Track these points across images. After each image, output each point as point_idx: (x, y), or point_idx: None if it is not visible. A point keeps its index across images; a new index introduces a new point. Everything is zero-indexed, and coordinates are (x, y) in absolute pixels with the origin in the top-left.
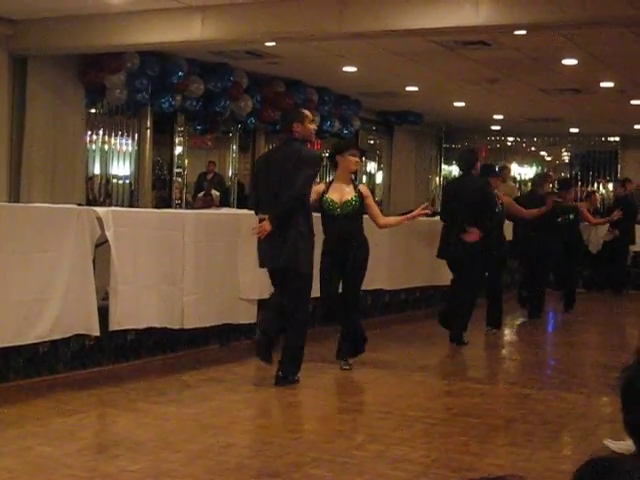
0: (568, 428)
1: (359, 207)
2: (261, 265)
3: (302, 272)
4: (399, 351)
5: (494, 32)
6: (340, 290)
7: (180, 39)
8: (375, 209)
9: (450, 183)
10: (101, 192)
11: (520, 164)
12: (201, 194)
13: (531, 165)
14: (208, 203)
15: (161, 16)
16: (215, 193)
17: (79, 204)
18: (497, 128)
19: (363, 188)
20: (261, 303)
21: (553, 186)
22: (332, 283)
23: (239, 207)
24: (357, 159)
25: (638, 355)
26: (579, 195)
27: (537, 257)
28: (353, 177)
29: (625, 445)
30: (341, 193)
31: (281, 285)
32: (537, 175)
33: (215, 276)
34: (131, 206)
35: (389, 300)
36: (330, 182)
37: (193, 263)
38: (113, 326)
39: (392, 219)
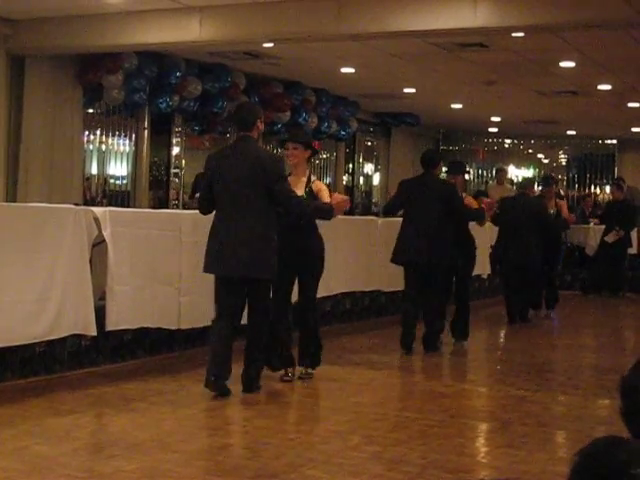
0: (564, 430)
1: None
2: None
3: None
4: (395, 353)
5: (492, 34)
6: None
7: (178, 40)
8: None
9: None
10: (98, 192)
11: (517, 166)
12: (197, 195)
13: (528, 167)
14: None
15: (159, 16)
16: None
17: (76, 204)
18: (494, 130)
19: (316, 184)
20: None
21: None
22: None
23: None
24: (290, 150)
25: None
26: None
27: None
28: (307, 171)
29: None
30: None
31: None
32: (524, 178)
33: (211, 277)
34: (128, 206)
35: (385, 301)
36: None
37: (190, 263)
38: (110, 326)
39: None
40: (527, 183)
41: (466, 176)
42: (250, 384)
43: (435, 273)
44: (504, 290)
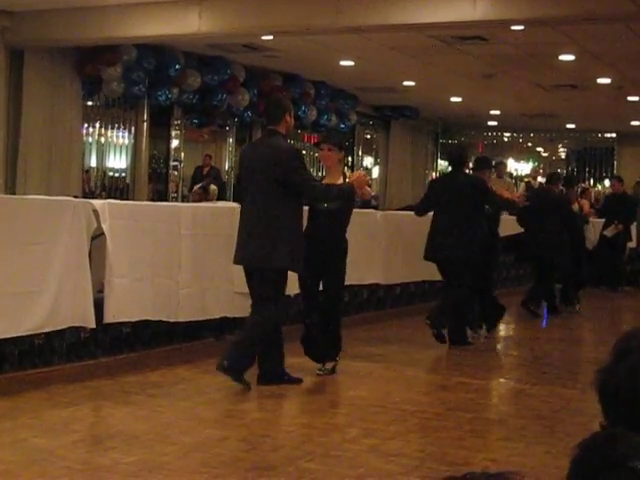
0: (562, 423)
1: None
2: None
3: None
4: (394, 345)
5: (491, 27)
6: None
7: (177, 32)
8: None
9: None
10: (97, 185)
11: (516, 160)
12: (197, 187)
13: (527, 161)
14: (204, 196)
15: (158, 9)
16: (212, 187)
17: (75, 196)
18: (494, 124)
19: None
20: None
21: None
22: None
23: (235, 200)
24: (325, 152)
25: (612, 353)
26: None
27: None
28: (344, 170)
29: None
30: None
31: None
32: (550, 173)
33: (211, 269)
34: (127, 199)
35: (384, 295)
36: (321, 179)
37: (189, 256)
38: (108, 319)
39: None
40: (554, 178)
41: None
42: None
43: (463, 269)
44: (539, 283)
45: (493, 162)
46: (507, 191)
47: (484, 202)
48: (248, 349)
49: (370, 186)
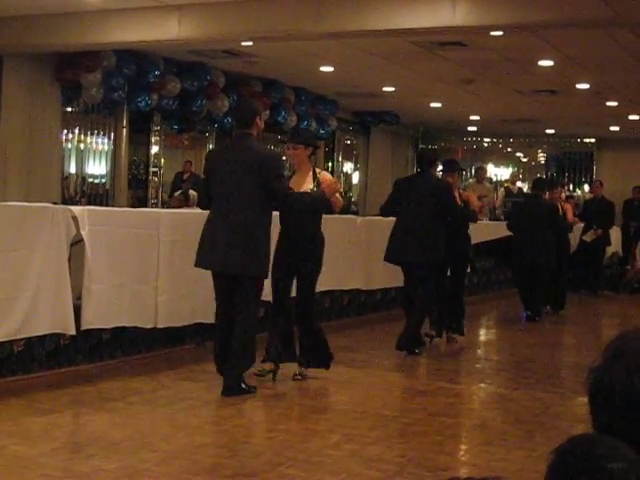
0: (543, 428)
1: None
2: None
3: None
4: (374, 351)
5: (471, 33)
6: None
7: (157, 38)
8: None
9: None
10: (77, 191)
11: (496, 165)
12: (177, 193)
13: (507, 166)
14: (184, 202)
15: (138, 15)
16: (192, 193)
17: (54, 203)
18: (473, 129)
19: (322, 175)
20: None
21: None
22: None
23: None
24: (291, 151)
25: (604, 355)
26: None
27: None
28: (312, 165)
29: None
30: (299, 187)
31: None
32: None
33: (190, 275)
34: (107, 205)
35: (365, 300)
36: (289, 177)
37: (168, 262)
38: (85, 325)
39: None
40: (541, 185)
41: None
42: (230, 387)
43: (426, 272)
44: (520, 291)
45: (473, 168)
46: (476, 199)
47: (444, 209)
48: (247, 354)
49: (342, 194)
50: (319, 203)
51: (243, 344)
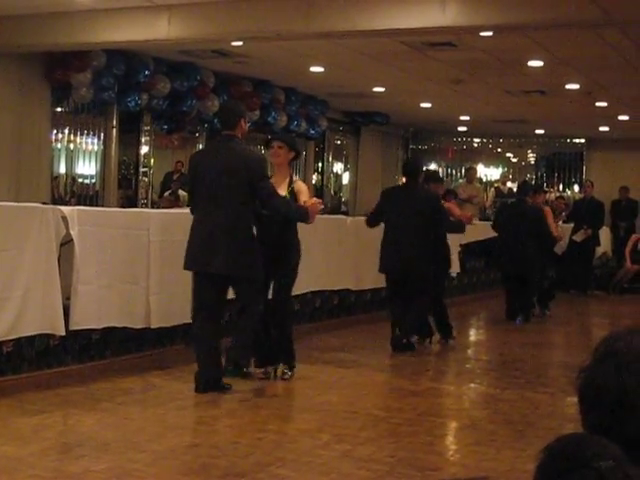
0: (532, 427)
1: None
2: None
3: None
4: (364, 351)
5: (460, 33)
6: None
7: (146, 38)
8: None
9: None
10: (67, 191)
11: (486, 165)
12: (167, 193)
13: (497, 166)
14: (174, 203)
15: (127, 15)
16: (182, 193)
17: (44, 203)
18: (463, 129)
19: (298, 184)
20: None
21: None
22: None
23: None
24: (275, 149)
25: (595, 355)
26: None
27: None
28: (290, 171)
29: None
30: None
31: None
32: (522, 184)
33: (180, 275)
34: (97, 205)
35: (355, 300)
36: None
37: (158, 262)
38: (73, 325)
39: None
40: (526, 189)
41: None
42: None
43: (418, 282)
44: (507, 296)
45: (464, 168)
46: (457, 209)
47: (433, 221)
48: (247, 343)
49: (321, 211)
50: (298, 217)
51: (244, 340)
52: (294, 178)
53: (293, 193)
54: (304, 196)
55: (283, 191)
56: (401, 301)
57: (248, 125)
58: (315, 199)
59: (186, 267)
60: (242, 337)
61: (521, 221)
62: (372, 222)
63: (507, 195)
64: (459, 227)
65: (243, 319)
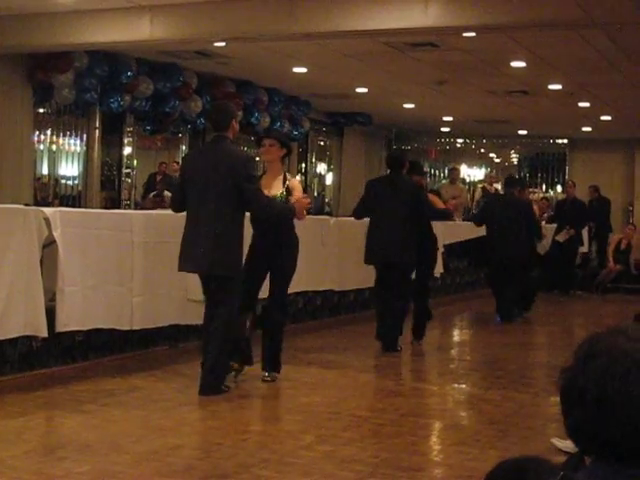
0: (516, 427)
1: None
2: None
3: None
4: (348, 352)
5: (443, 34)
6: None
7: (129, 39)
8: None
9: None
10: (49, 193)
11: (469, 166)
12: (152, 194)
13: (480, 167)
14: (158, 204)
15: (110, 15)
16: (167, 194)
17: (26, 204)
18: (446, 130)
19: (292, 182)
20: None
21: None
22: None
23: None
24: (267, 147)
25: (577, 355)
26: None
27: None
28: (283, 169)
29: (571, 444)
30: (268, 188)
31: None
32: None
33: (164, 277)
34: (80, 207)
35: (338, 301)
36: (259, 177)
37: (142, 264)
38: (60, 327)
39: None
40: (513, 182)
41: None
42: (209, 388)
43: (403, 274)
44: (493, 289)
45: (447, 168)
46: (439, 201)
47: (421, 211)
48: (223, 358)
49: (309, 211)
50: (285, 214)
51: (220, 343)
52: (288, 176)
53: (289, 190)
54: (298, 193)
55: (277, 189)
56: (385, 292)
57: None
58: (301, 195)
59: (179, 269)
60: (215, 366)
61: (511, 211)
62: (359, 213)
63: (494, 195)
64: (445, 214)
65: (212, 345)
